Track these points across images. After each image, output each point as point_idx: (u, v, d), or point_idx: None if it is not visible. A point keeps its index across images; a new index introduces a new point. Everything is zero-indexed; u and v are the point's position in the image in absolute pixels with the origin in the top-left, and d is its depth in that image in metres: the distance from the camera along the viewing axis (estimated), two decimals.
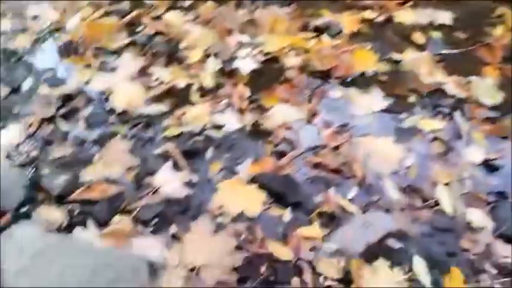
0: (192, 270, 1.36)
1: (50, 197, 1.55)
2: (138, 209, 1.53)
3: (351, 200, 1.59)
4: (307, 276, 1.34)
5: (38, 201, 1.54)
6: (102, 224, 1.49)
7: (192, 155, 1.71)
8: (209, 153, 1.73)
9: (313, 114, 1.89)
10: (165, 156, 1.70)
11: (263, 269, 1.37)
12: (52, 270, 1.19)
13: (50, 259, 1.22)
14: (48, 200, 1.54)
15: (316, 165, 1.69)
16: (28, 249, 1.22)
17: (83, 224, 1.47)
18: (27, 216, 1.46)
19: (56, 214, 1.49)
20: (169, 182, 1.62)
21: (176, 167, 1.66)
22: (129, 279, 1.26)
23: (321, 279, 1.34)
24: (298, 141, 1.77)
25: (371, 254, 1.40)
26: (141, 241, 1.45)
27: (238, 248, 1.42)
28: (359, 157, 1.72)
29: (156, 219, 1.52)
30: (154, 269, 1.34)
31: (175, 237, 1.46)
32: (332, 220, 1.51)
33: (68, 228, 1.45)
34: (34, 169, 1.63)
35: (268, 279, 1.34)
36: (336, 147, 1.75)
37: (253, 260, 1.39)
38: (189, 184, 1.61)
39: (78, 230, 1.43)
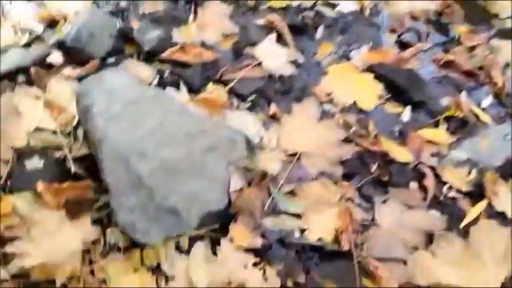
0: (292, 155, 1.18)
1: (139, 51, 1.39)
2: (235, 80, 1.34)
3: (484, 110, 1.32)
4: (429, 183, 1.13)
5: (126, 53, 1.37)
6: (195, 90, 1.31)
7: (300, 31, 1.47)
8: (319, 32, 1.48)
9: (447, 6, 1.56)
10: (268, 28, 1.47)
11: (374, 167, 1.17)
12: (145, 123, 1.05)
13: (144, 112, 1.07)
14: (137, 54, 1.37)
15: (447, 64, 1.41)
16: (120, 97, 1.08)
17: (175, 85, 1.30)
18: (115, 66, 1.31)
19: (145, 70, 1.33)
20: (273, 56, 1.40)
21: (281, 41, 1.43)
22: (225, 152, 1.11)
23: (445, 189, 1.13)
24: (427, 34, 1.47)
25: (509, 170, 1.15)
26: (237, 115, 1.28)
27: (347, 140, 1.22)
28: (499, 63, 1.41)
29: (254, 95, 1.33)
30: (251, 147, 1.17)
31: (274, 117, 1.27)
32: (462, 127, 1.26)
33: (158, 87, 1.29)
34: (123, 20, 1.45)
35: (379, 179, 1.14)
36: (472, 48, 1.44)
37: (364, 156, 1.19)
38: (295, 63, 1.39)
39: (170, 90, 1.27)
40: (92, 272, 0.98)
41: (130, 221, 0.98)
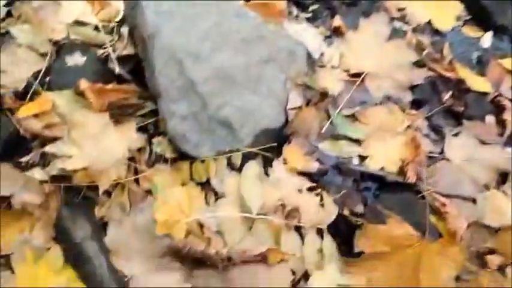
0: (355, 75, 1.06)
1: None
2: None
3: None
4: (508, 117, 1.01)
5: None
6: None
7: None
8: None
9: None
10: None
11: (447, 96, 1.05)
12: (199, 23, 0.93)
13: (198, 10, 0.95)
14: None
15: None
16: None
17: None
18: None
19: None
20: None
21: None
22: (284, 65, 1.00)
23: None
24: None
25: None
26: (296, 26, 1.15)
27: (419, 64, 1.09)
28: None
29: (316, 5, 1.18)
30: (312, 62, 1.05)
31: (338, 32, 1.14)
32: None
33: None
34: None
35: (452, 109, 1.03)
36: None
37: (436, 83, 1.07)
38: None
39: None
40: (137, 181, 0.93)
41: (181, 130, 0.91)
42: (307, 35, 1.13)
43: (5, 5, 1.07)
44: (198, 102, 0.90)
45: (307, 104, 1.00)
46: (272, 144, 0.95)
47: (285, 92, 0.99)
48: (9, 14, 1.08)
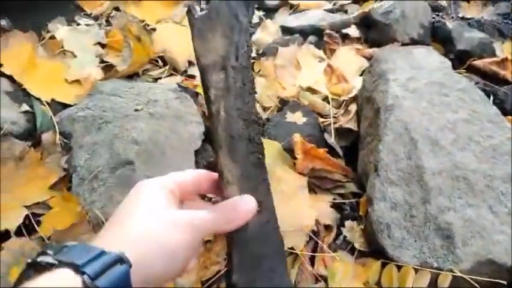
0: None
1: (447, 50, 1.21)
2: None
3: None
4: None
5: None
6: (505, 111, 1.05)
7: None
8: None
9: None
10: None
11: None
12: (447, 113, 0.85)
13: (448, 101, 0.88)
14: (443, 53, 1.19)
15: None
16: (426, 76, 0.92)
17: None
18: None
19: None
20: None
21: None
22: None
23: None
24: None
25: None
26: None
27: None
28: None
29: None
30: None
31: None
32: None
33: None
34: (437, 15, 1.30)
35: None
36: None
37: None
38: None
39: None
40: (312, 259, 0.82)
41: (386, 219, 0.78)
42: None
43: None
44: (419, 194, 0.78)
45: None
46: (499, 281, 0.74)
47: None
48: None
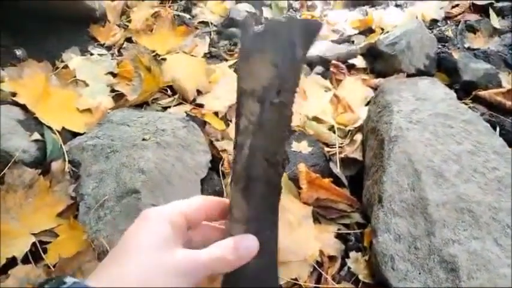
0: None
1: (453, 81, 1.22)
2: None
3: None
4: None
5: (436, 78, 1.22)
6: None
7: None
8: None
9: None
10: None
11: None
12: (451, 144, 0.85)
13: (452, 132, 0.88)
14: (448, 84, 1.20)
15: None
16: (430, 107, 0.93)
17: None
18: None
19: None
20: None
21: None
22: None
23: None
24: None
25: None
26: None
27: None
28: None
29: None
30: None
31: None
32: None
33: None
34: (443, 46, 1.31)
35: None
36: None
37: None
38: None
39: None
40: None
41: (390, 251, 0.78)
42: None
43: None
44: (423, 226, 0.78)
45: None
46: None
47: None
48: None
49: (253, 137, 0.39)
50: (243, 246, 0.40)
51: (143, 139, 0.89)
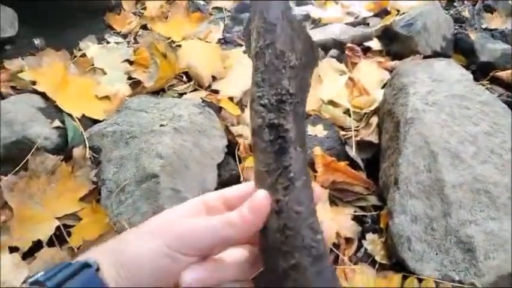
0: None
1: (470, 62, 1.21)
2: None
3: None
4: None
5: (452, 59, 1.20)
6: None
7: None
8: None
9: None
10: None
11: None
12: (468, 126, 0.85)
13: (469, 113, 0.87)
14: (466, 65, 1.19)
15: None
16: (447, 88, 0.92)
17: None
18: None
19: None
20: None
21: None
22: None
23: None
24: None
25: None
26: None
27: None
28: None
29: None
30: None
31: None
32: None
33: None
34: (460, 27, 1.29)
35: None
36: None
37: None
38: None
39: None
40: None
41: (406, 232, 0.79)
42: None
43: None
44: (439, 207, 0.78)
45: None
46: None
47: None
48: None
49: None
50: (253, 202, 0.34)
51: (161, 125, 0.90)
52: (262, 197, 0.34)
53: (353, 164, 1.00)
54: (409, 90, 0.91)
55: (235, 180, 0.96)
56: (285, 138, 0.35)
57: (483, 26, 1.34)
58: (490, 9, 1.40)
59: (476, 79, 1.12)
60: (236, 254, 0.37)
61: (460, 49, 1.24)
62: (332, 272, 0.34)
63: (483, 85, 1.14)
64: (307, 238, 0.33)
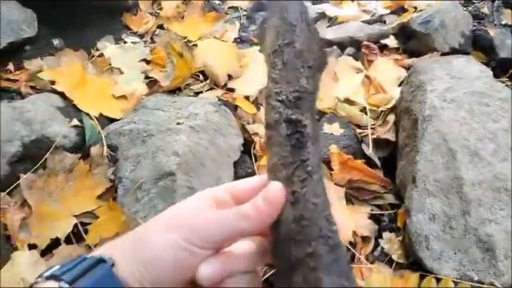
0: None
1: (490, 59, 1.20)
2: None
3: None
4: None
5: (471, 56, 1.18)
6: None
7: None
8: None
9: None
10: None
11: None
12: (487, 123, 0.83)
13: (488, 110, 0.86)
14: (486, 62, 1.17)
15: None
16: (466, 86, 0.91)
17: None
18: None
19: None
20: None
21: None
22: None
23: None
24: None
25: None
26: None
27: None
28: None
29: None
30: None
31: None
32: None
33: None
34: (479, 24, 1.27)
35: None
36: None
37: None
38: None
39: None
40: None
41: (424, 231, 0.78)
42: None
43: None
44: (458, 205, 0.77)
45: None
46: None
47: None
48: None
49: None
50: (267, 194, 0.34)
51: (177, 123, 0.91)
52: (277, 189, 0.34)
53: (369, 162, 0.99)
54: (426, 88, 0.89)
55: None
56: (303, 133, 0.35)
57: (502, 22, 1.31)
58: (509, 5, 1.37)
59: (496, 76, 1.10)
60: (245, 246, 0.37)
61: (479, 46, 1.22)
62: (347, 261, 0.34)
63: (503, 82, 1.12)
64: (324, 228, 0.33)
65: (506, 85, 1.11)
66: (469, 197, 0.77)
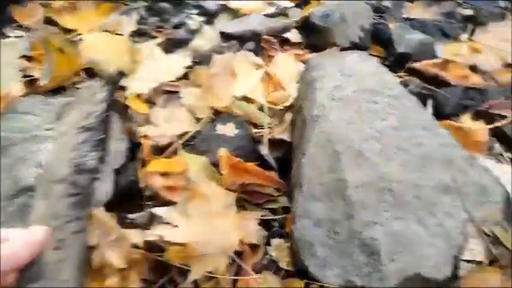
0: None
1: (388, 53, 1.18)
2: (506, 121, 1.00)
3: None
4: None
5: (369, 51, 1.17)
6: (443, 115, 1.03)
7: None
8: None
9: None
10: None
11: None
12: (375, 121, 0.80)
13: (378, 108, 0.83)
14: (383, 56, 1.16)
15: None
16: (356, 82, 0.87)
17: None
18: None
19: None
20: None
21: None
22: (469, 200, 0.78)
23: None
24: None
25: None
26: (496, 165, 0.93)
27: None
28: None
29: None
30: (510, 210, 0.81)
31: None
32: None
33: None
34: (380, 17, 1.26)
35: None
36: None
37: None
38: None
39: None
40: (234, 283, 0.76)
41: (309, 237, 0.74)
42: (508, 178, 0.90)
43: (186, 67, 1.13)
44: (342, 208, 0.74)
45: (491, 263, 0.75)
46: None
47: (462, 236, 0.75)
48: (185, 76, 1.12)
49: None
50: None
51: (46, 129, 0.81)
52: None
53: (265, 163, 0.94)
54: (316, 85, 0.86)
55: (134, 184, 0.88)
56: None
57: (404, 16, 1.31)
58: None
59: (394, 71, 1.09)
60: None
61: (379, 40, 1.21)
62: None
63: (400, 77, 1.12)
64: None
65: (404, 80, 1.11)
66: (352, 199, 0.74)
